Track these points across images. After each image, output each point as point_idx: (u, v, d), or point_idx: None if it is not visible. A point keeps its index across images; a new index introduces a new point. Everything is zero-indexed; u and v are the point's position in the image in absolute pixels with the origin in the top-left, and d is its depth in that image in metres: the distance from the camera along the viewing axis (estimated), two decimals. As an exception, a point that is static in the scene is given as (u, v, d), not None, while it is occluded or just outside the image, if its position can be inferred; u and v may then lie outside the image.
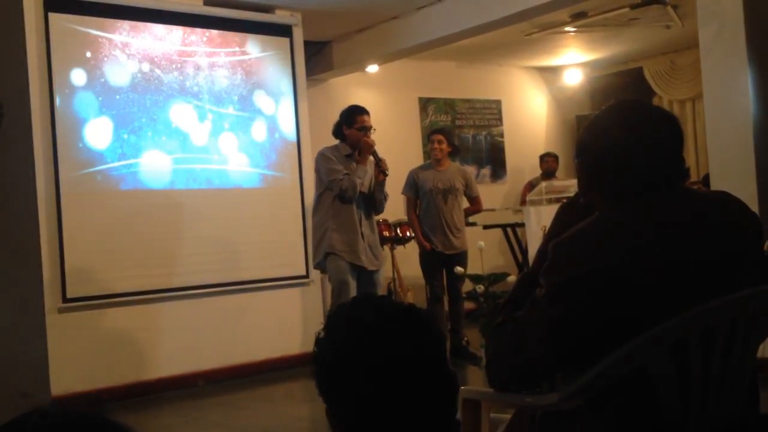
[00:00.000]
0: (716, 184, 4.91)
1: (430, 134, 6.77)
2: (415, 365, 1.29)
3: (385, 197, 5.28)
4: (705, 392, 1.62)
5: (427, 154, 7.47)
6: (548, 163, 8.83)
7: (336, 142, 5.27)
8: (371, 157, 5.18)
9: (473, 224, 7.10)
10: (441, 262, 6.28)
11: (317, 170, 5.22)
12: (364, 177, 5.12)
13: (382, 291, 5.62)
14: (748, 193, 4.33)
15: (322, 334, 1.36)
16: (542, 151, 9.15)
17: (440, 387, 1.32)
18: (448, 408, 1.33)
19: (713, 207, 1.73)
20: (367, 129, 5.16)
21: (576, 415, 1.68)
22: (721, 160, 4.96)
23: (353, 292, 5.07)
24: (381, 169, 5.18)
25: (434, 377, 1.31)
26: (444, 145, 6.34)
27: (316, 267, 5.46)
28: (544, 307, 1.65)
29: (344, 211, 5.11)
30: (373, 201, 5.23)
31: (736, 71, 4.85)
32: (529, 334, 1.67)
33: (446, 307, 6.31)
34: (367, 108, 5.28)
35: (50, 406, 0.92)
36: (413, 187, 6.37)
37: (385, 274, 7.82)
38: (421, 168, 6.52)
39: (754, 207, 1.76)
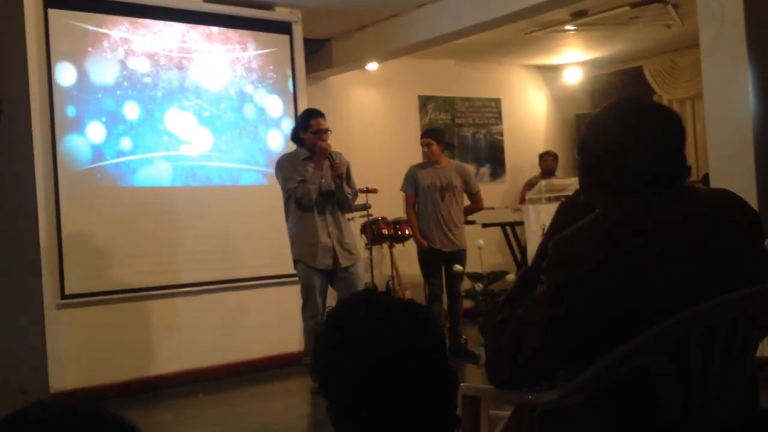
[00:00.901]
0: (716, 184, 4.91)
1: (420, 137, 6.70)
2: (412, 363, 1.28)
3: (349, 195, 5.25)
4: (705, 392, 1.61)
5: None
6: (547, 162, 8.83)
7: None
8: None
9: (472, 222, 7.09)
10: (440, 260, 6.26)
11: (277, 179, 5.30)
12: (320, 182, 5.12)
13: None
14: (747, 193, 4.32)
15: (322, 332, 1.36)
16: (542, 150, 9.15)
17: (438, 383, 1.31)
18: (448, 404, 1.32)
19: (713, 205, 1.72)
20: (322, 132, 5.16)
21: (575, 413, 1.68)
22: (721, 160, 4.95)
23: (320, 294, 5.20)
24: (335, 172, 5.15)
25: (432, 374, 1.30)
26: (434, 147, 6.26)
27: None
28: (545, 305, 1.64)
29: (305, 216, 5.18)
30: (337, 201, 5.24)
31: (736, 71, 4.84)
32: (529, 332, 1.67)
33: (445, 306, 6.31)
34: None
35: (50, 400, 0.92)
36: (413, 184, 6.33)
37: (383, 272, 7.87)
38: (420, 166, 6.49)
39: (754, 206, 1.76)
